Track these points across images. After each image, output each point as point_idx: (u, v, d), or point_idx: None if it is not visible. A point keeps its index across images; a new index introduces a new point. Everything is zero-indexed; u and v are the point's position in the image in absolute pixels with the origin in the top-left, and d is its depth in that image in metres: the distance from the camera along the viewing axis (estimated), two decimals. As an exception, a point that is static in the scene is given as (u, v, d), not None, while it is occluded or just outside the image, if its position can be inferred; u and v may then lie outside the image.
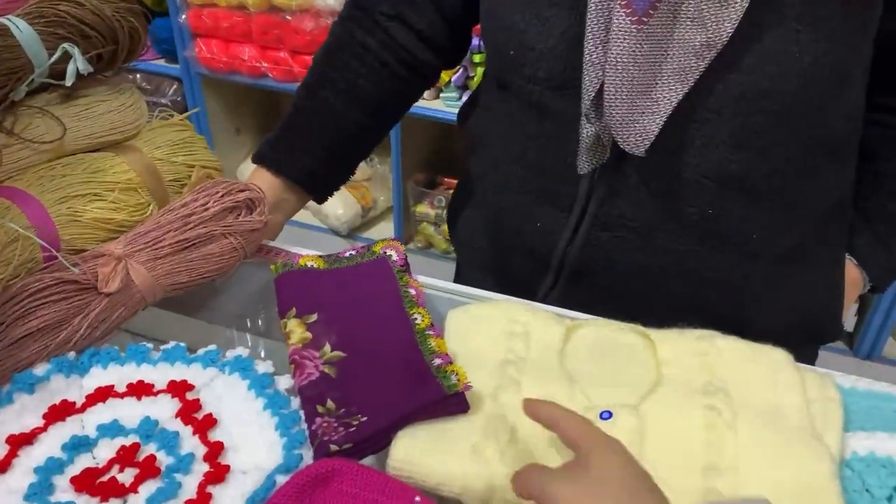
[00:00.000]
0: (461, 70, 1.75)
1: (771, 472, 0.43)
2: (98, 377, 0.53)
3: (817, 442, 0.46)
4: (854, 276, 0.77)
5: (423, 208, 2.10)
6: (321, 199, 0.85)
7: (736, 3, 0.55)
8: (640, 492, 0.37)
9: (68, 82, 0.62)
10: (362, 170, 2.33)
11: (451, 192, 2.21)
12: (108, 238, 0.63)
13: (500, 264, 0.82)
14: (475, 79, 1.74)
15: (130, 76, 2.05)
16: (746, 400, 0.48)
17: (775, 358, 0.53)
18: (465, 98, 1.77)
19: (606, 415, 0.47)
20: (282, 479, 0.43)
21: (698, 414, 0.47)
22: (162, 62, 2.23)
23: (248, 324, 0.76)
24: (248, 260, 0.69)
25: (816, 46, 0.59)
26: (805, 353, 0.70)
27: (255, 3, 1.73)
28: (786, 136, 0.63)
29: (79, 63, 0.61)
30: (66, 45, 0.61)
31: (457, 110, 1.79)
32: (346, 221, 2.32)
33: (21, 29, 0.58)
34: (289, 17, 1.72)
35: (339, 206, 2.30)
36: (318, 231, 2.39)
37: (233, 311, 0.76)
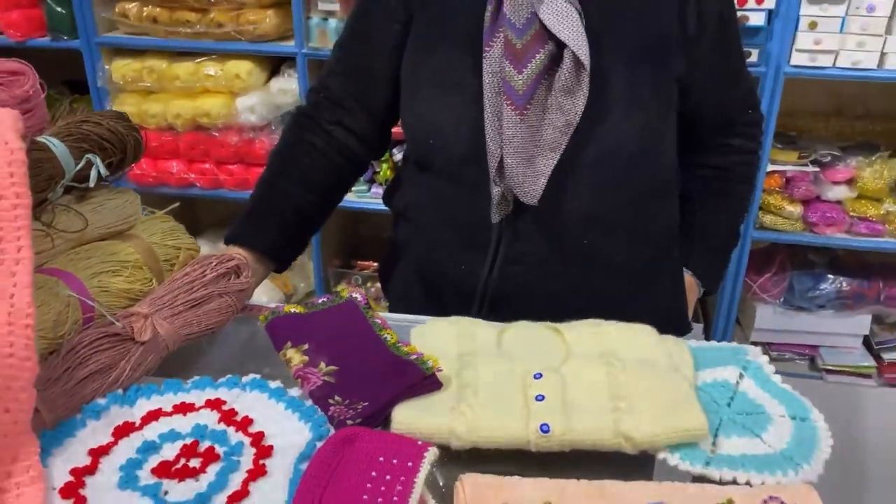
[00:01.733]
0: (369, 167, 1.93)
1: (653, 395, 0.59)
2: (144, 406, 0.62)
3: (680, 375, 0.63)
4: (690, 282, 0.98)
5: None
6: (282, 269, 0.98)
7: (580, 96, 0.76)
8: None
9: (92, 184, 0.72)
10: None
11: (365, 272, 2.31)
12: (128, 304, 0.73)
13: (431, 307, 0.97)
14: (380, 174, 1.93)
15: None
16: (630, 357, 0.65)
17: (645, 331, 0.70)
18: (373, 189, 1.95)
19: (538, 375, 0.62)
20: (319, 444, 0.55)
21: (600, 369, 0.63)
22: (87, 181, 2.25)
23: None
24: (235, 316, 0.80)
25: (640, 121, 0.81)
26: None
27: (183, 124, 1.85)
28: (628, 183, 0.84)
29: (101, 169, 0.72)
30: (89, 155, 0.72)
31: (366, 200, 1.96)
32: (271, 309, 2.38)
33: (55, 145, 0.69)
34: (215, 133, 1.84)
35: (262, 295, 2.37)
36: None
37: (216, 367, 0.85)
